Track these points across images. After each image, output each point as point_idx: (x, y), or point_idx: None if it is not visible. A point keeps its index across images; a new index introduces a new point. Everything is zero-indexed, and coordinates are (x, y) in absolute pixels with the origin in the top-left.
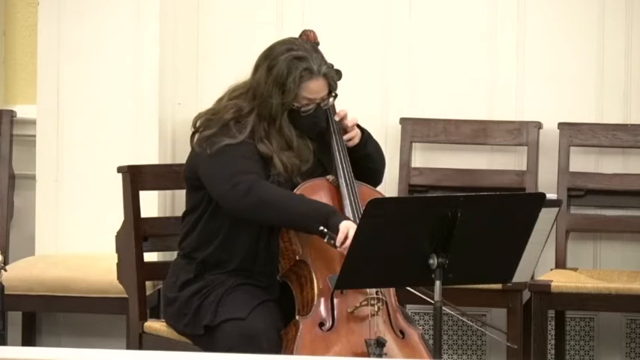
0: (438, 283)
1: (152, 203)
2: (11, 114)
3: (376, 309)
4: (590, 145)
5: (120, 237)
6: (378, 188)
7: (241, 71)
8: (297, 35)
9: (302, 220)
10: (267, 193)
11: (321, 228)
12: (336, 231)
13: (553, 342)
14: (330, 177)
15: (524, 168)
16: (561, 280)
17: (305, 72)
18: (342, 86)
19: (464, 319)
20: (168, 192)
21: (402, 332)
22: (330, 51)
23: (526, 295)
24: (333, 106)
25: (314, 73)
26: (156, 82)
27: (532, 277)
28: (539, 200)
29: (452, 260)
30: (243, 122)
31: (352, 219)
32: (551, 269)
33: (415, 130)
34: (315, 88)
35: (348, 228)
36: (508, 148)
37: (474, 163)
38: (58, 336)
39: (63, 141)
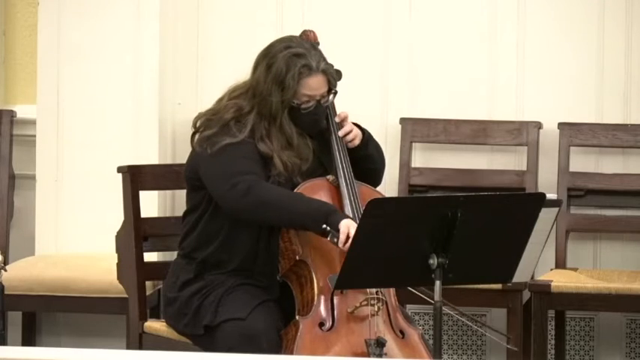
0: (438, 283)
1: (152, 203)
2: (11, 114)
3: (376, 309)
4: (590, 145)
5: (120, 237)
6: (378, 188)
7: (241, 71)
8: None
9: (302, 219)
10: (266, 193)
11: (324, 226)
12: (337, 229)
13: (553, 342)
14: (330, 177)
15: (524, 168)
16: (561, 280)
17: (304, 68)
18: (342, 86)
19: (465, 320)
20: (168, 192)
21: (402, 332)
22: (330, 51)
23: (526, 295)
24: (333, 104)
25: (313, 70)
26: (156, 82)
27: (532, 277)
28: (539, 200)
29: (452, 260)
30: (244, 121)
31: (352, 219)
32: (551, 269)
33: (415, 130)
34: (314, 84)
35: (348, 227)
36: (508, 148)
37: (474, 163)
38: (58, 336)
39: (63, 141)
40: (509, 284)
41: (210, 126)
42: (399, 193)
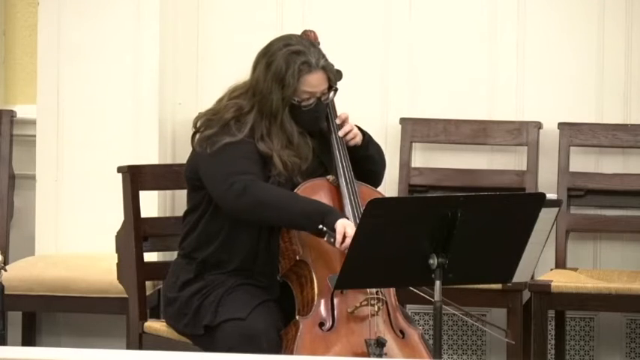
0: (438, 283)
1: (152, 203)
2: (11, 114)
3: (376, 309)
4: (590, 145)
5: (120, 237)
6: (378, 188)
7: (241, 71)
8: None
9: (298, 219)
10: (263, 193)
11: (320, 227)
12: (333, 229)
13: (553, 342)
14: (330, 177)
15: (524, 168)
16: (561, 280)
17: (303, 65)
18: (342, 86)
19: (461, 315)
20: (168, 192)
21: (402, 332)
22: (331, 51)
23: (526, 295)
24: (333, 103)
25: (312, 66)
26: (156, 82)
27: (532, 277)
28: (539, 200)
29: (452, 260)
30: (243, 121)
31: (352, 219)
32: (551, 269)
33: (415, 130)
34: (314, 81)
35: (344, 226)
36: (508, 148)
37: (474, 163)
38: (58, 336)
39: (63, 141)
40: (509, 284)
41: (211, 126)
42: (399, 193)
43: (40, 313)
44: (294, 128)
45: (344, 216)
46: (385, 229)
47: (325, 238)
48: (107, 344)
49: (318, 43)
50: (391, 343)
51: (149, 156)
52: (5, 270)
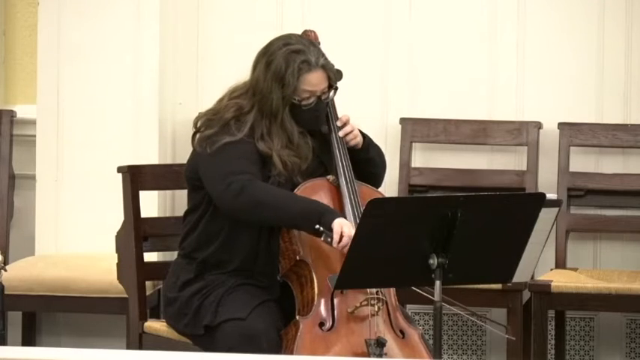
0: (438, 283)
1: (152, 203)
2: (11, 114)
3: (376, 309)
4: (590, 145)
5: (120, 237)
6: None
7: (241, 71)
8: None
9: (295, 219)
10: (259, 192)
11: (317, 226)
12: (330, 229)
13: (553, 342)
14: (330, 177)
15: (524, 168)
16: (561, 280)
17: (303, 64)
18: (342, 86)
19: (460, 311)
20: (168, 192)
21: (402, 332)
22: (331, 51)
23: (526, 295)
24: (333, 103)
25: (312, 65)
26: (156, 82)
27: (532, 277)
28: (539, 200)
29: (452, 260)
30: (243, 120)
31: (352, 218)
32: (551, 269)
33: (415, 130)
34: (314, 80)
35: (341, 226)
36: (508, 148)
37: (474, 163)
38: (58, 336)
39: (63, 141)
40: (509, 284)
41: (211, 126)
42: (399, 193)
43: (40, 313)
44: (295, 128)
45: (341, 215)
46: (385, 229)
47: (322, 238)
48: (107, 344)
49: (319, 43)
50: (391, 343)
51: (149, 156)
52: (5, 270)
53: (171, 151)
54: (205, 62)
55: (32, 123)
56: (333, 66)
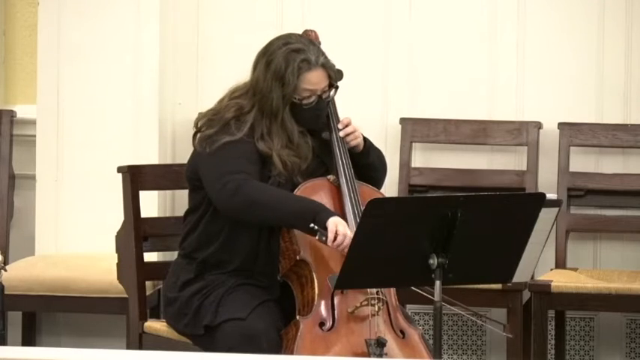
0: (438, 283)
1: (152, 203)
2: (11, 114)
3: (376, 309)
4: (590, 145)
5: (120, 237)
6: None
7: (241, 71)
8: None
9: (290, 218)
10: (255, 192)
11: (312, 225)
12: (325, 228)
13: (553, 342)
14: (331, 177)
15: (524, 168)
16: (561, 280)
17: (303, 63)
18: (342, 86)
19: (456, 308)
20: (168, 192)
21: (402, 332)
22: (331, 51)
23: (526, 295)
24: (334, 103)
25: (312, 64)
26: (156, 82)
27: (532, 277)
28: (539, 200)
29: (452, 260)
30: (243, 120)
31: (352, 218)
32: (551, 269)
33: (415, 130)
34: (314, 79)
35: (336, 224)
36: (508, 148)
37: (474, 163)
38: (58, 336)
39: (63, 141)
40: (509, 284)
41: (212, 125)
42: (399, 193)
43: (40, 313)
44: (295, 127)
45: (336, 214)
46: (385, 229)
47: (317, 237)
48: (107, 344)
49: (319, 43)
50: (391, 343)
51: (149, 156)
52: (5, 270)
53: (171, 151)
54: (205, 62)
55: (32, 123)
56: (333, 65)
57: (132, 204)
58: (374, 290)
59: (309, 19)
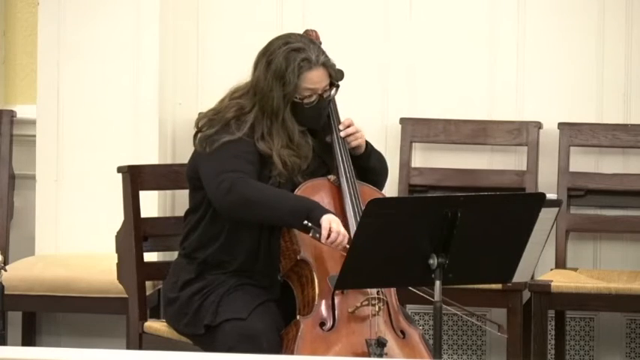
0: (438, 283)
1: (152, 203)
2: (11, 114)
3: (377, 309)
4: (590, 145)
5: (120, 237)
6: None
7: (241, 71)
8: None
9: (284, 216)
10: (249, 190)
11: (305, 222)
12: (319, 225)
13: (553, 342)
14: (331, 177)
15: (524, 168)
16: (561, 280)
17: (304, 62)
18: (342, 86)
19: (457, 311)
20: (169, 192)
21: (402, 332)
22: (330, 51)
23: (526, 295)
24: (334, 103)
25: (312, 63)
26: (156, 82)
27: (532, 277)
28: (539, 200)
29: (452, 260)
30: (243, 119)
31: (353, 218)
32: (551, 269)
33: (415, 130)
34: (315, 78)
35: (330, 221)
36: (508, 148)
37: (474, 163)
38: (58, 336)
39: (63, 141)
40: (509, 284)
41: (212, 125)
42: (399, 193)
43: (40, 313)
44: (296, 127)
45: (330, 211)
46: (385, 229)
47: (311, 234)
48: (107, 344)
49: (320, 43)
50: (392, 343)
51: (149, 156)
52: (5, 270)
53: (171, 151)
54: (205, 62)
55: (32, 123)
56: (334, 64)
57: (132, 204)
58: (374, 290)
59: (309, 19)
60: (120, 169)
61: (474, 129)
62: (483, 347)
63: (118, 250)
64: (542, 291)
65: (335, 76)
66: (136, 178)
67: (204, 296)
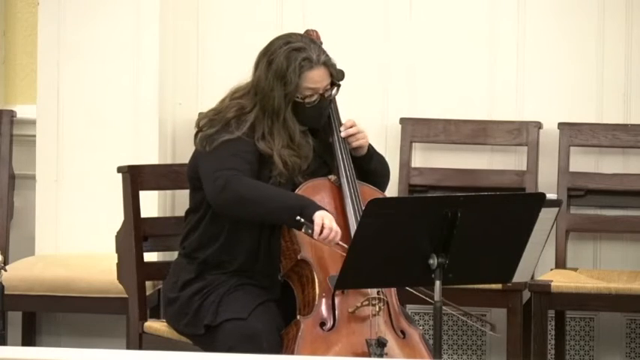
0: (438, 283)
1: (152, 203)
2: (11, 114)
3: (377, 309)
4: (590, 145)
5: (120, 237)
6: None
7: (241, 71)
8: None
9: (277, 212)
10: (243, 187)
11: (298, 218)
12: (312, 221)
13: (553, 342)
14: (332, 177)
15: (524, 168)
16: (561, 280)
17: (304, 62)
18: (342, 86)
19: (449, 309)
20: (169, 192)
21: (402, 332)
22: (330, 51)
23: (526, 295)
24: (335, 103)
25: (313, 62)
26: (156, 82)
27: (532, 277)
28: (539, 200)
29: (452, 260)
30: (244, 119)
31: (353, 218)
32: (551, 269)
33: (415, 130)
34: (316, 77)
35: (322, 218)
36: (508, 148)
37: (474, 163)
38: (58, 336)
39: (63, 141)
40: (509, 284)
41: (213, 125)
42: (399, 193)
43: (40, 313)
44: (297, 127)
45: (322, 208)
46: (385, 229)
47: (303, 230)
48: (107, 344)
49: (321, 43)
50: (392, 344)
51: (149, 156)
52: (5, 270)
53: (171, 151)
54: (205, 62)
55: (32, 123)
56: (335, 63)
57: (132, 204)
58: (374, 290)
59: (309, 19)
60: (120, 169)
61: (474, 129)
62: (483, 347)
63: (118, 250)
64: (542, 291)
65: (336, 76)
66: (136, 178)
67: (205, 296)
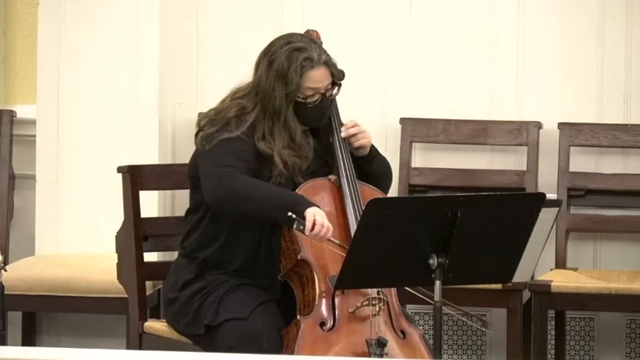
0: (438, 283)
1: (152, 203)
2: (11, 114)
3: (377, 309)
4: (590, 145)
5: (120, 237)
6: None
7: (241, 71)
8: None
9: (269, 209)
10: (235, 184)
11: (289, 214)
12: (303, 217)
13: (553, 342)
14: (332, 177)
15: (524, 168)
16: (561, 280)
17: (306, 61)
18: (342, 86)
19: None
20: (169, 192)
21: (402, 332)
22: (331, 51)
23: (526, 295)
24: (335, 103)
25: (315, 62)
26: (156, 82)
27: (532, 277)
28: (539, 200)
29: (452, 260)
30: (244, 119)
31: (353, 218)
32: (551, 269)
33: (415, 130)
34: (317, 76)
35: (314, 214)
36: (508, 148)
37: (474, 163)
38: (58, 336)
39: (63, 141)
40: (509, 284)
41: (213, 124)
42: (399, 193)
43: (40, 313)
44: (298, 127)
45: (315, 204)
46: (385, 229)
47: (295, 226)
48: (107, 344)
49: (321, 43)
50: (392, 344)
51: (149, 156)
52: (5, 270)
53: (171, 151)
54: (205, 62)
55: (32, 123)
56: (335, 63)
57: (132, 204)
58: (374, 290)
59: (310, 19)
60: (120, 169)
61: (474, 129)
62: (483, 347)
63: (118, 250)
64: (542, 291)
65: (337, 75)
66: (136, 178)
67: (205, 296)
